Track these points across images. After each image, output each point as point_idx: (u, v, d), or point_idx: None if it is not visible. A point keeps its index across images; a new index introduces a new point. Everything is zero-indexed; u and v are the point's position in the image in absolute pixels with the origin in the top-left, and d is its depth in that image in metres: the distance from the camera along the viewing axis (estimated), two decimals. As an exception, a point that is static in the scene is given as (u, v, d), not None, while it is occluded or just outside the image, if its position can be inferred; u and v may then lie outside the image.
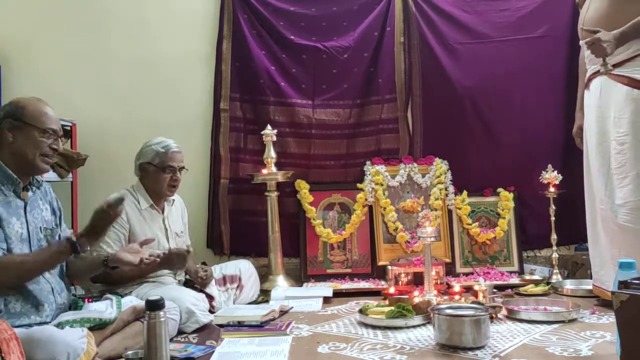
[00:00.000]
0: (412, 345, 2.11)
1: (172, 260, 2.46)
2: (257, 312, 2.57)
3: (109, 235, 2.49)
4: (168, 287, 2.50)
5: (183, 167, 2.73)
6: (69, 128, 3.24)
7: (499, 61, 3.45)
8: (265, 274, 3.30)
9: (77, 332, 1.73)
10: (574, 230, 3.43)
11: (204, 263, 2.95)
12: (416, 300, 2.57)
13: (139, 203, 2.65)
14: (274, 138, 3.35)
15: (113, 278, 2.45)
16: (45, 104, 2.04)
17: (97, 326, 1.96)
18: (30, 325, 1.82)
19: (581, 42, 2.60)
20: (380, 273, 3.37)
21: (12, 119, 1.95)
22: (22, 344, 1.56)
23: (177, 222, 2.81)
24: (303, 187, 3.49)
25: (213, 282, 2.80)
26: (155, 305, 1.77)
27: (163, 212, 2.73)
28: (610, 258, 2.52)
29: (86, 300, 2.17)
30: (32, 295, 1.89)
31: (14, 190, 1.95)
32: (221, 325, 2.45)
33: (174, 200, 2.81)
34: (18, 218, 1.93)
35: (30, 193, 2.02)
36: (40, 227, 2.02)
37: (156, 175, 2.66)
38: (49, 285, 1.96)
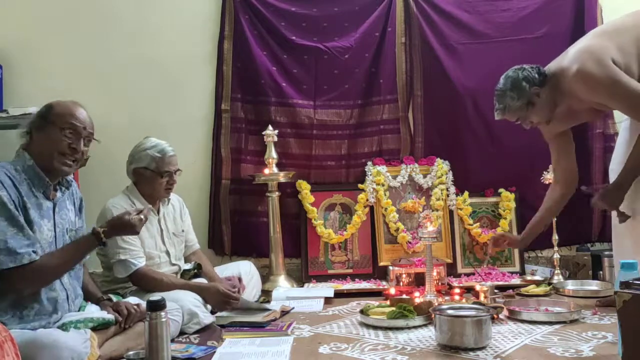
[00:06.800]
0: (413, 346, 2.11)
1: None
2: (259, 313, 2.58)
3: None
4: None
5: (178, 169, 2.70)
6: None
7: (500, 61, 3.40)
8: (266, 275, 3.31)
9: (81, 336, 1.73)
10: (575, 230, 3.44)
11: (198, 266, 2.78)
12: (417, 300, 2.57)
13: (134, 205, 2.59)
14: (275, 138, 3.36)
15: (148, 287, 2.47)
16: (78, 106, 1.99)
17: (101, 326, 1.95)
18: (35, 328, 1.80)
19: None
20: (381, 273, 3.37)
21: (40, 118, 1.95)
22: (27, 347, 1.56)
23: (173, 222, 2.78)
24: (304, 187, 3.49)
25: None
26: (156, 306, 1.77)
27: (158, 213, 2.71)
28: None
29: (87, 300, 2.17)
30: (49, 303, 1.89)
31: (43, 191, 1.93)
32: (222, 326, 2.45)
33: (169, 200, 2.77)
34: (49, 220, 1.92)
35: (59, 194, 2.00)
36: (67, 229, 2.01)
37: (153, 179, 2.63)
38: (65, 293, 1.96)
